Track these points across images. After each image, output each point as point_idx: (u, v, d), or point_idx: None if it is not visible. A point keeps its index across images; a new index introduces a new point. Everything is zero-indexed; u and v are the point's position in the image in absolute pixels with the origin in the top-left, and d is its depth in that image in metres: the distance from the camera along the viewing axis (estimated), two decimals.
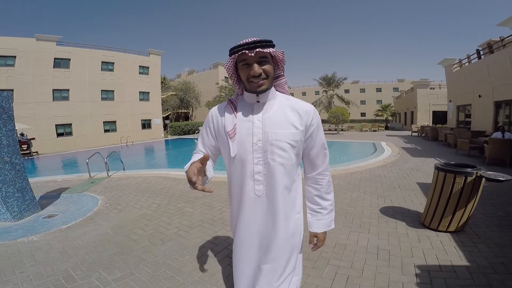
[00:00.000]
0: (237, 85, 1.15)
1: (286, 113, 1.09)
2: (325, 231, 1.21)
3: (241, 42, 1.00)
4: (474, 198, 2.65)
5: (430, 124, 18.20)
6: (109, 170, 6.77)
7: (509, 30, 8.51)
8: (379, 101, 43.27)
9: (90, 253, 2.59)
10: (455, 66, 13.88)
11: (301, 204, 1.21)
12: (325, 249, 2.42)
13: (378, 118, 34.51)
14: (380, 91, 45.57)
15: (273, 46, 1.03)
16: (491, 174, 2.59)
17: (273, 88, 1.14)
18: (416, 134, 16.16)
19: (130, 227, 3.23)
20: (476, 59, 11.60)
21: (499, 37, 9.31)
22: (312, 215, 1.22)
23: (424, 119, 20.48)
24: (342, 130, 21.99)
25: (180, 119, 34.52)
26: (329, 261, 2.23)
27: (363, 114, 44.48)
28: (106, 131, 20.97)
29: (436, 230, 2.75)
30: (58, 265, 2.39)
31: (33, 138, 15.32)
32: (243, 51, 0.98)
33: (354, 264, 2.18)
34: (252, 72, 1.00)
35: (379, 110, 28.84)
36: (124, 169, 7.54)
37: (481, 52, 11.26)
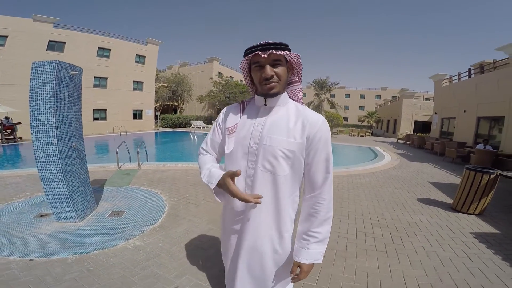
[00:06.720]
0: (250, 88, 1.14)
1: (289, 121, 1.05)
2: (311, 264, 1.06)
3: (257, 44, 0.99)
4: (493, 190, 3.68)
5: (411, 133, 20.11)
6: (130, 161, 6.73)
7: (503, 55, 9.76)
8: (361, 107, 45.88)
9: None
10: (445, 81, 15.51)
11: (286, 223, 1.09)
12: (405, 224, 3.28)
13: (362, 124, 36.66)
14: (364, 97, 48.17)
15: (288, 49, 1.00)
16: (508, 173, 3.62)
17: (285, 94, 1.10)
18: (402, 141, 17.85)
19: None
20: (467, 77, 13.09)
21: (493, 60, 10.81)
22: (299, 242, 1.08)
23: (406, 127, 22.45)
24: (333, 133, 23.45)
25: (171, 111, 34.11)
26: (416, 233, 3.05)
27: (346, 119, 46.82)
28: (95, 119, 20.31)
29: (466, 213, 3.77)
30: (207, 271, 2.13)
31: (19, 123, 13.65)
32: (257, 52, 0.97)
33: (432, 232, 3.06)
34: (264, 74, 0.98)
35: (365, 116, 30.84)
36: (147, 161, 7.61)
37: (472, 71, 12.79)
